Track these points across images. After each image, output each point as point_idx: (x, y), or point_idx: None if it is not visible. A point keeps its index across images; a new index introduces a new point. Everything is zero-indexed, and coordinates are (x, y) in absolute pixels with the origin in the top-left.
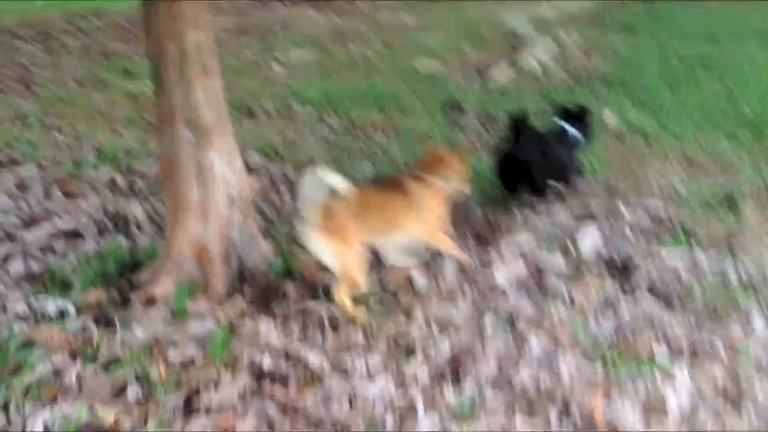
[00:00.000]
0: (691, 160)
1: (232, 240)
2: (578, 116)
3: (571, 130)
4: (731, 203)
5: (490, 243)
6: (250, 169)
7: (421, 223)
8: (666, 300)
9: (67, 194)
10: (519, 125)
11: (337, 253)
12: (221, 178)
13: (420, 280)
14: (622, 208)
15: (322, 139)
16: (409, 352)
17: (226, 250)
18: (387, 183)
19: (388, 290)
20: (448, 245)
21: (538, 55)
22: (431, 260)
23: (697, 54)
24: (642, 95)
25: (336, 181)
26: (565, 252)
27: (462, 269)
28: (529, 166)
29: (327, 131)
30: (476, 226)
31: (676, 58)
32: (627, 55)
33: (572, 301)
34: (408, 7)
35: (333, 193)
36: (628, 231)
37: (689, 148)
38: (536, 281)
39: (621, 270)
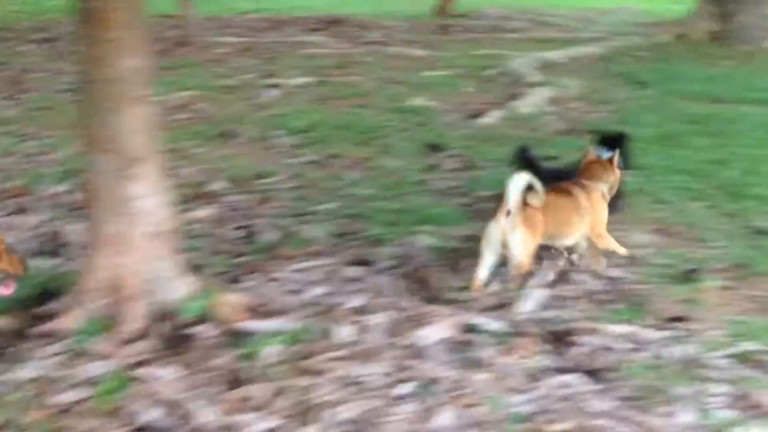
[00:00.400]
0: (666, 227)
1: (150, 277)
2: (615, 142)
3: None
4: (693, 277)
5: (435, 301)
6: (210, 197)
7: (589, 226)
8: (595, 379)
9: (20, 209)
10: (531, 159)
11: (526, 243)
12: (144, 211)
13: (343, 332)
14: (575, 274)
15: (294, 170)
16: (310, 415)
17: (142, 288)
18: (557, 190)
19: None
20: (612, 244)
21: (536, 101)
22: (358, 314)
23: (698, 114)
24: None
25: (537, 184)
26: (505, 311)
27: (390, 325)
28: None
29: (301, 163)
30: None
31: (676, 117)
32: (628, 108)
33: (497, 370)
34: (422, 42)
35: (531, 193)
36: (577, 296)
37: (667, 213)
38: (465, 343)
39: (557, 339)
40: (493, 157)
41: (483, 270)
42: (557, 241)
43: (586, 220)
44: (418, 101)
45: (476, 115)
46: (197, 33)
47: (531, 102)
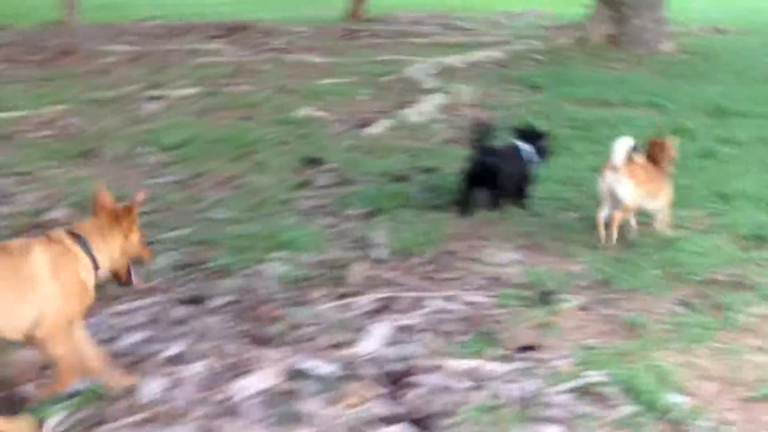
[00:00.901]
0: (534, 242)
1: None
2: (534, 136)
3: (527, 149)
4: (549, 299)
5: (266, 341)
6: (48, 227)
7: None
8: (424, 427)
9: None
10: (484, 135)
11: (631, 191)
12: None
13: (150, 388)
14: (429, 300)
15: (152, 192)
16: None
17: None
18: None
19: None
20: (667, 218)
21: (427, 108)
22: (172, 364)
23: (585, 119)
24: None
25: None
26: (342, 352)
27: (206, 376)
28: (496, 175)
29: (164, 183)
30: None
31: (563, 122)
32: (518, 113)
33: (317, 424)
34: (326, 48)
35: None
36: (427, 326)
37: (536, 228)
38: (286, 394)
39: (393, 381)
40: (370, 171)
41: (602, 213)
42: (650, 202)
43: (668, 191)
44: (306, 111)
45: (364, 124)
46: (84, 41)
47: (422, 110)
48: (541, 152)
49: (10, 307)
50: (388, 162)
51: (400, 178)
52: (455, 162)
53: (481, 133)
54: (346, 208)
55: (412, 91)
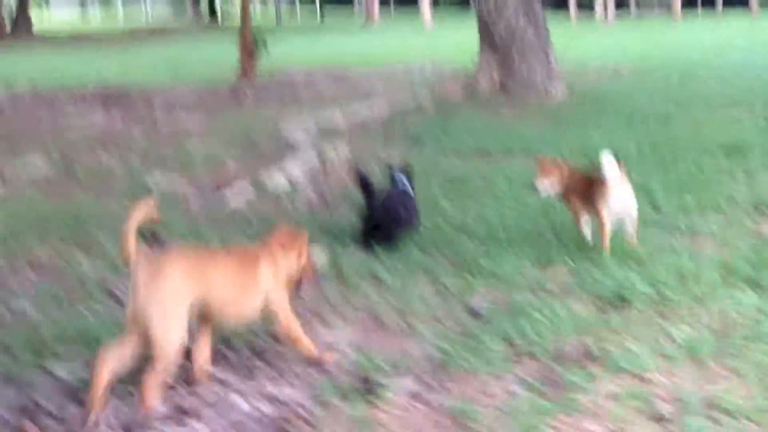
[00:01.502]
0: (377, 315)
1: None
2: (408, 173)
3: (407, 184)
4: (373, 390)
5: None
6: None
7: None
8: None
9: None
10: (369, 183)
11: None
12: None
13: None
14: (236, 400)
15: None
16: None
17: None
18: None
19: None
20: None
21: (294, 172)
22: None
23: (460, 174)
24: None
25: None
26: None
27: None
28: (396, 218)
29: None
30: None
31: (439, 178)
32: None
33: None
34: (205, 111)
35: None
36: None
37: (382, 298)
38: None
39: None
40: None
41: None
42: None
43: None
44: (163, 182)
45: (222, 192)
46: None
47: (290, 173)
48: (413, 187)
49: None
50: (234, 236)
51: None
52: (312, 233)
53: (365, 178)
54: None
55: (284, 154)
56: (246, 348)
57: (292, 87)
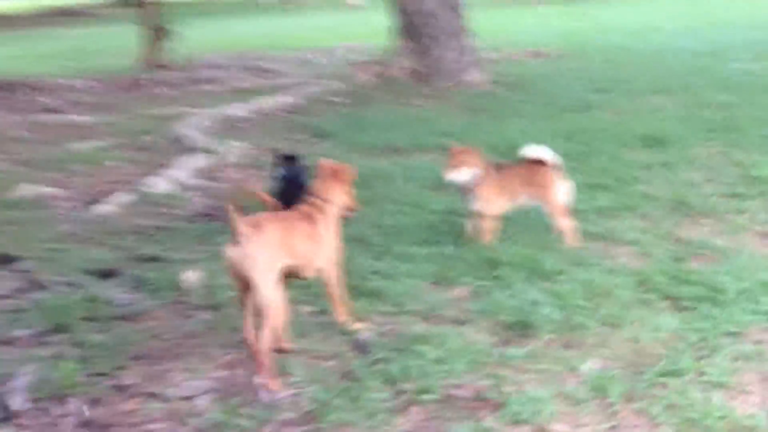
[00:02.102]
0: (244, 357)
1: None
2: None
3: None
4: None
5: None
6: None
7: None
8: None
9: None
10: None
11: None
12: None
13: None
14: None
15: None
16: None
17: None
18: None
19: None
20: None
21: (180, 174)
22: None
23: (365, 173)
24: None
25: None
26: None
27: None
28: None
29: None
30: None
31: None
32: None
33: None
34: (99, 105)
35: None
36: None
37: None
38: None
39: None
40: (74, 267)
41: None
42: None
43: None
44: (33, 189)
45: (97, 201)
46: None
47: (176, 176)
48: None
49: None
50: (101, 252)
51: (106, 275)
52: (198, 244)
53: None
54: (14, 328)
55: (175, 152)
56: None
57: (199, 76)
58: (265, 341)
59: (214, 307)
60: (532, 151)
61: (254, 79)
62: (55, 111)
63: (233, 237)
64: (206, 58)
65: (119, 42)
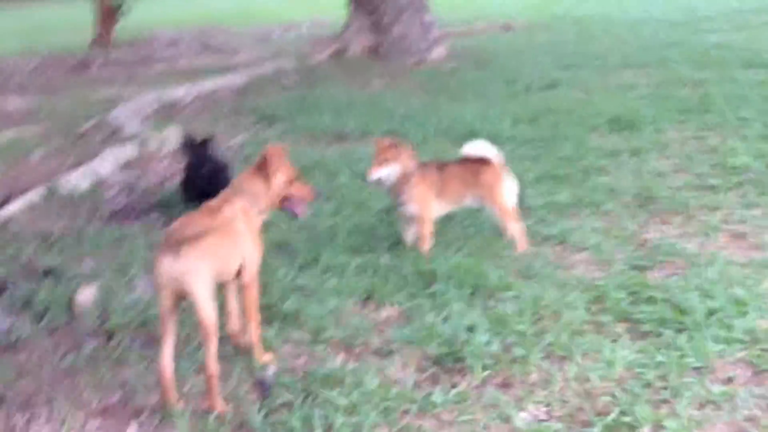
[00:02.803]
0: (133, 401)
1: None
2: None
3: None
4: None
5: None
6: None
7: None
8: None
9: None
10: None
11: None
12: None
13: None
14: None
15: None
16: None
17: None
18: None
19: None
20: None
21: (102, 167)
22: None
23: (306, 163)
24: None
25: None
26: None
27: None
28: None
29: None
30: None
31: None
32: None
33: None
34: (39, 87)
35: None
36: None
37: (144, 374)
38: None
39: None
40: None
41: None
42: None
43: None
44: None
45: (5, 201)
46: None
47: (96, 170)
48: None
49: None
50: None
51: None
52: (106, 252)
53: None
54: None
55: (105, 142)
56: None
57: (149, 55)
58: (212, 363)
59: (107, 334)
60: (475, 149)
61: (208, 58)
62: None
63: (168, 246)
64: (163, 36)
65: (79, 19)
